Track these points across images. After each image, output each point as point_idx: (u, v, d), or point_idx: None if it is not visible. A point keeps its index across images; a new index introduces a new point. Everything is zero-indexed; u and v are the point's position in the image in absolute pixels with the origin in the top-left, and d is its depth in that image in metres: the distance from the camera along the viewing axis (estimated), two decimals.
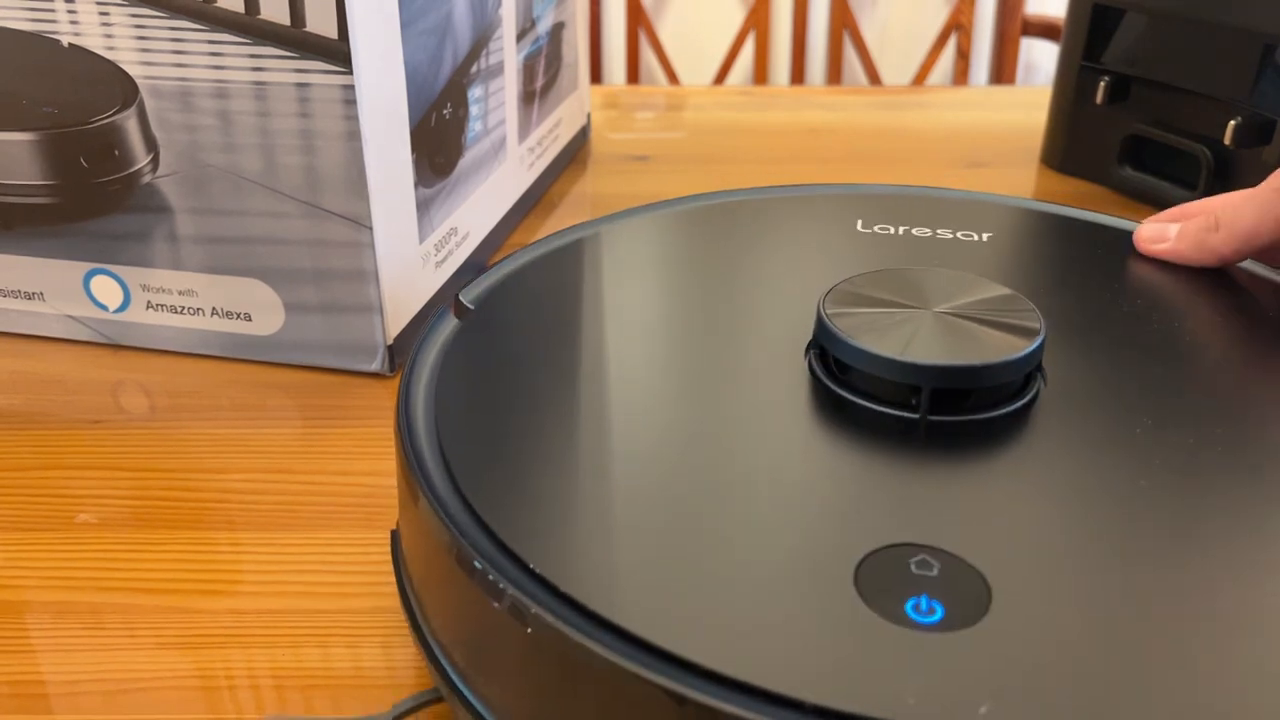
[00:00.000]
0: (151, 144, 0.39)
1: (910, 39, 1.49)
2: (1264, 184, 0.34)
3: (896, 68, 1.48)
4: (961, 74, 1.37)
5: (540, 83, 0.55)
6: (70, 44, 0.38)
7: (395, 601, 0.27)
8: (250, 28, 0.36)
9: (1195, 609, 0.21)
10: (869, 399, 0.27)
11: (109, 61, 0.38)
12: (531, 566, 0.22)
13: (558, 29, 0.57)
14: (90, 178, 0.40)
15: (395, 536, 0.28)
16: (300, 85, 0.37)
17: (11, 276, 0.43)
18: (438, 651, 0.25)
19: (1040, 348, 0.27)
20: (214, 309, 0.41)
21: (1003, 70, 1.30)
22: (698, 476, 0.25)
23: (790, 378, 0.28)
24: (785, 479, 0.25)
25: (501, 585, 0.21)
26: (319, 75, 0.36)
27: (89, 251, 0.41)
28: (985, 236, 0.37)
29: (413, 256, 0.41)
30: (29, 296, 0.43)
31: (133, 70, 0.38)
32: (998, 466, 0.25)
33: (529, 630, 0.21)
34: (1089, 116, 0.59)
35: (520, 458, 0.25)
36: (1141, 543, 0.23)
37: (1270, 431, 0.27)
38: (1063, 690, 0.19)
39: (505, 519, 0.23)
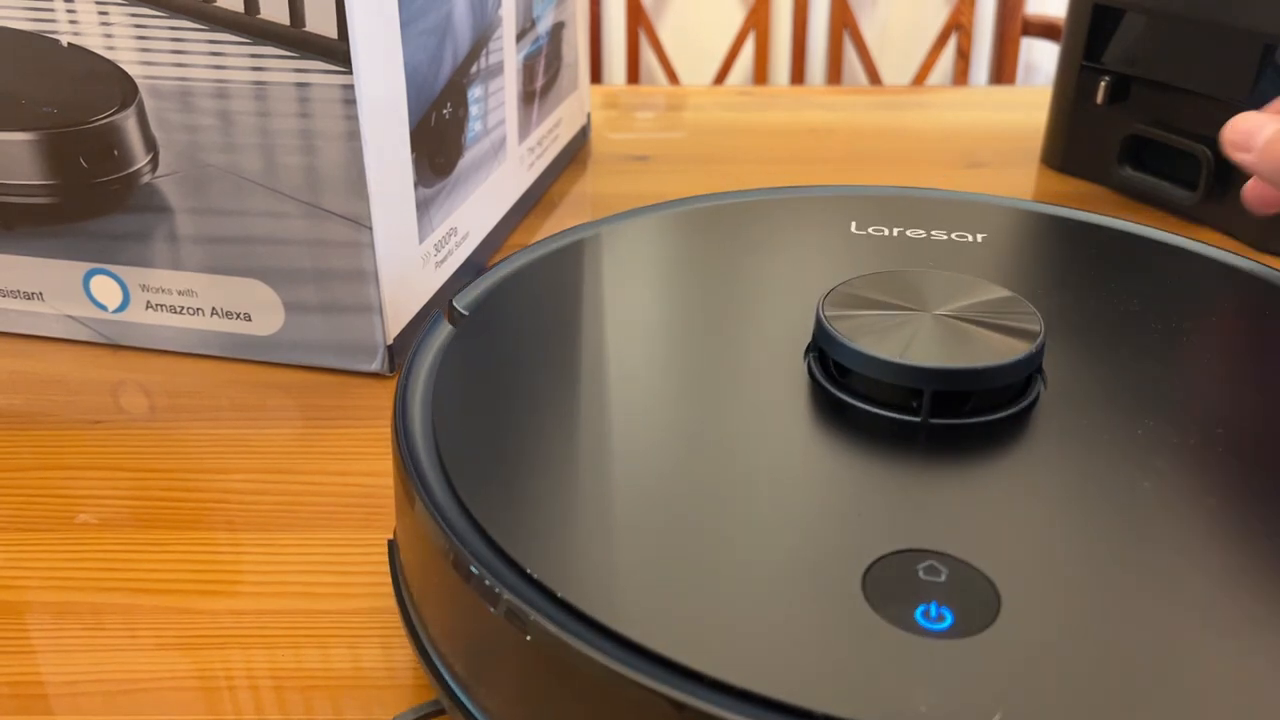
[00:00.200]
0: (151, 144, 0.39)
1: (910, 39, 1.49)
2: None
3: (896, 68, 1.48)
4: (961, 74, 1.37)
5: (540, 83, 0.55)
6: (70, 44, 0.38)
7: (394, 602, 0.27)
8: (250, 27, 0.36)
9: (1203, 613, 0.21)
10: (869, 402, 0.27)
11: (109, 61, 0.38)
12: (529, 572, 0.22)
13: (558, 29, 0.57)
14: (90, 178, 0.40)
15: (392, 545, 0.28)
16: (300, 85, 0.37)
17: (11, 276, 0.43)
18: (437, 661, 0.25)
19: (1041, 350, 0.27)
20: (214, 309, 0.41)
21: (1003, 70, 1.30)
22: (697, 481, 0.25)
23: (789, 381, 0.28)
24: (787, 483, 0.25)
25: (499, 591, 0.21)
26: (319, 75, 0.36)
27: (89, 251, 0.41)
28: (980, 237, 0.37)
29: (413, 256, 0.41)
30: (29, 296, 0.43)
31: (132, 70, 0.38)
32: (1001, 470, 0.25)
33: (528, 637, 0.21)
34: (1089, 116, 0.59)
35: (518, 463, 0.25)
36: (1148, 546, 0.23)
37: (1273, 430, 0.27)
38: (1075, 697, 0.19)
39: (503, 524, 0.23)
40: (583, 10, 0.61)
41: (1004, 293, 0.29)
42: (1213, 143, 0.53)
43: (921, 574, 0.22)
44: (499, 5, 0.47)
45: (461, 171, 0.45)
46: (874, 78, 1.35)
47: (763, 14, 1.32)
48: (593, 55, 1.38)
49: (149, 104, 0.38)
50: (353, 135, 0.37)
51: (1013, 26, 1.28)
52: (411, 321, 0.42)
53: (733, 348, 0.30)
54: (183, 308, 0.42)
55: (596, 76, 1.40)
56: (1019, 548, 0.23)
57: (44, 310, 0.43)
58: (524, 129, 0.53)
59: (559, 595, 0.21)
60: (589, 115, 0.66)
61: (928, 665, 0.20)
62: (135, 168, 0.39)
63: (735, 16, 1.40)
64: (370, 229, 0.38)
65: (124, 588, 0.31)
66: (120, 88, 0.38)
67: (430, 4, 0.40)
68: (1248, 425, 0.27)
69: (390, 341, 0.41)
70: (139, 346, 0.43)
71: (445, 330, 0.31)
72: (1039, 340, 0.27)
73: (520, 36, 0.51)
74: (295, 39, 0.36)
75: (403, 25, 0.39)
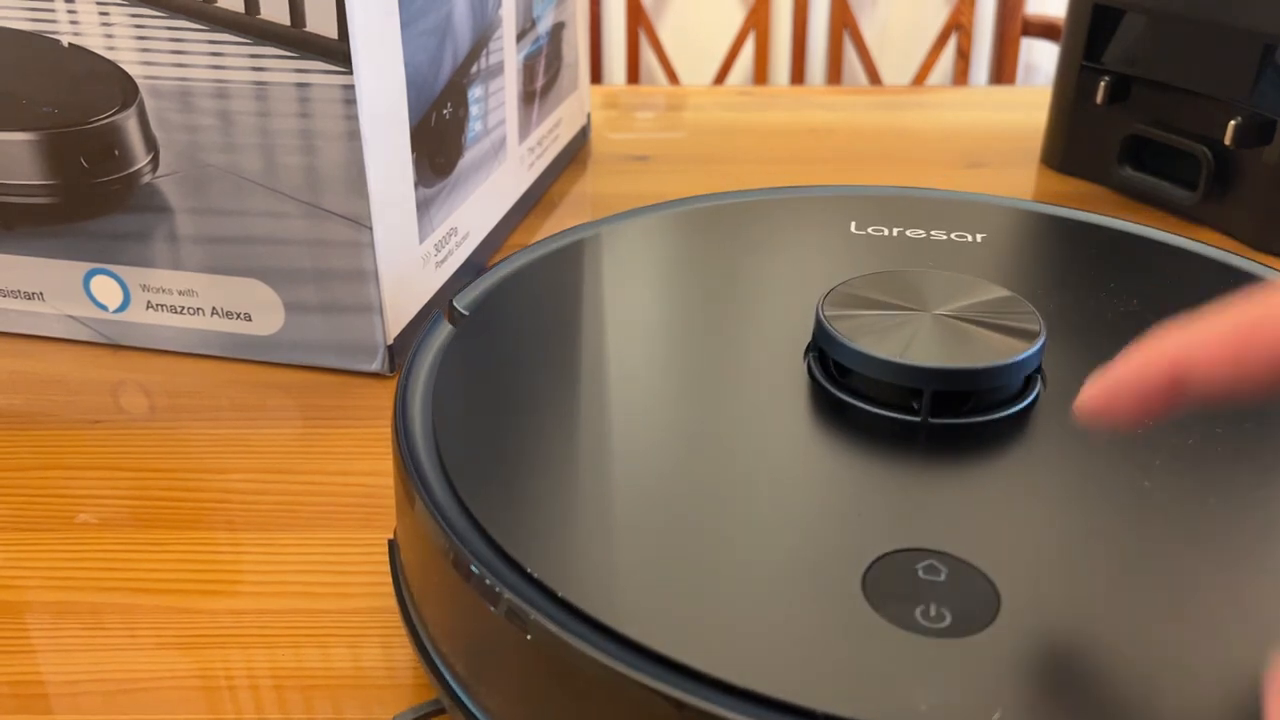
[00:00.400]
0: (151, 144, 0.39)
1: (910, 39, 1.49)
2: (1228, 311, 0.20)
3: (896, 68, 1.48)
4: (961, 74, 1.37)
5: (540, 83, 0.55)
6: (70, 44, 0.38)
7: (395, 602, 0.27)
8: (250, 28, 0.36)
9: (1203, 610, 0.21)
10: (869, 402, 0.27)
11: (109, 61, 0.38)
12: (530, 571, 0.22)
13: (558, 29, 0.57)
14: (90, 178, 0.40)
15: (392, 545, 0.28)
16: (300, 85, 0.37)
17: (11, 276, 0.43)
18: (438, 661, 0.25)
19: (1041, 349, 0.27)
20: (214, 309, 0.41)
21: (1003, 70, 1.30)
22: (698, 481, 0.25)
23: (789, 381, 0.28)
24: (787, 483, 0.25)
25: (499, 590, 0.21)
26: (319, 75, 0.36)
27: (89, 251, 0.41)
28: (980, 238, 0.37)
29: (413, 256, 0.41)
30: (29, 296, 0.43)
31: (133, 70, 0.38)
32: (1001, 470, 0.25)
33: (528, 637, 0.21)
34: (1089, 116, 0.59)
35: (518, 463, 0.25)
36: (1147, 544, 0.23)
37: (1272, 430, 0.27)
38: (1074, 696, 0.19)
39: (503, 524, 0.23)
40: (583, 10, 0.61)
41: (1004, 293, 0.29)
42: (1213, 143, 0.53)
43: (921, 574, 0.22)
44: (499, 5, 0.47)
45: (461, 171, 0.45)
46: (874, 78, 1.35)
47: (763, 14, 1.32)
48: (593, 55, 1.38)
49: (149, 104, 0.38)
50: (353, 135, 0.37)
51: (1013, 26, 1.28)
52: (411, 321, 0.42)
53: (733, 348, 0.30)
54: (183, 308, 0.42)
55: (596, 76, 1.40)
56: (1018, 547, 0.23)
57: (44, 310, 0.43)
58: (524, 129, 0.53)
59: (559, 595, 0.21)
60: (589, 115, 0.66)
61: (928, 665, 0.20)
62: (135, 168, 0.39)
63: (735, 16, 1.40)
64: (370, 229, 0.38)
65: (124, 587, 0.31)
66: (121, 88, 0.38)
67: (430, 4, 0.40)
68: (1247, 425, 0.27)
69: (390, 341, 0.41)
70: (139, 346, 0.43)
71: (445, 330, 0.31)
72: (1039, 340, 0.27)
73: (520, 36, 0.51)
74: (295, 39, 0.36)
75: (403, 25, 0.39)
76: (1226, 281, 0.34)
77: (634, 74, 1.36)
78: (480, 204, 0.48)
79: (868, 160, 0.65)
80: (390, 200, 0.39)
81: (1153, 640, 0.20)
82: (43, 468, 0.36)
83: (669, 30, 1.48)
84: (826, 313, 0.28)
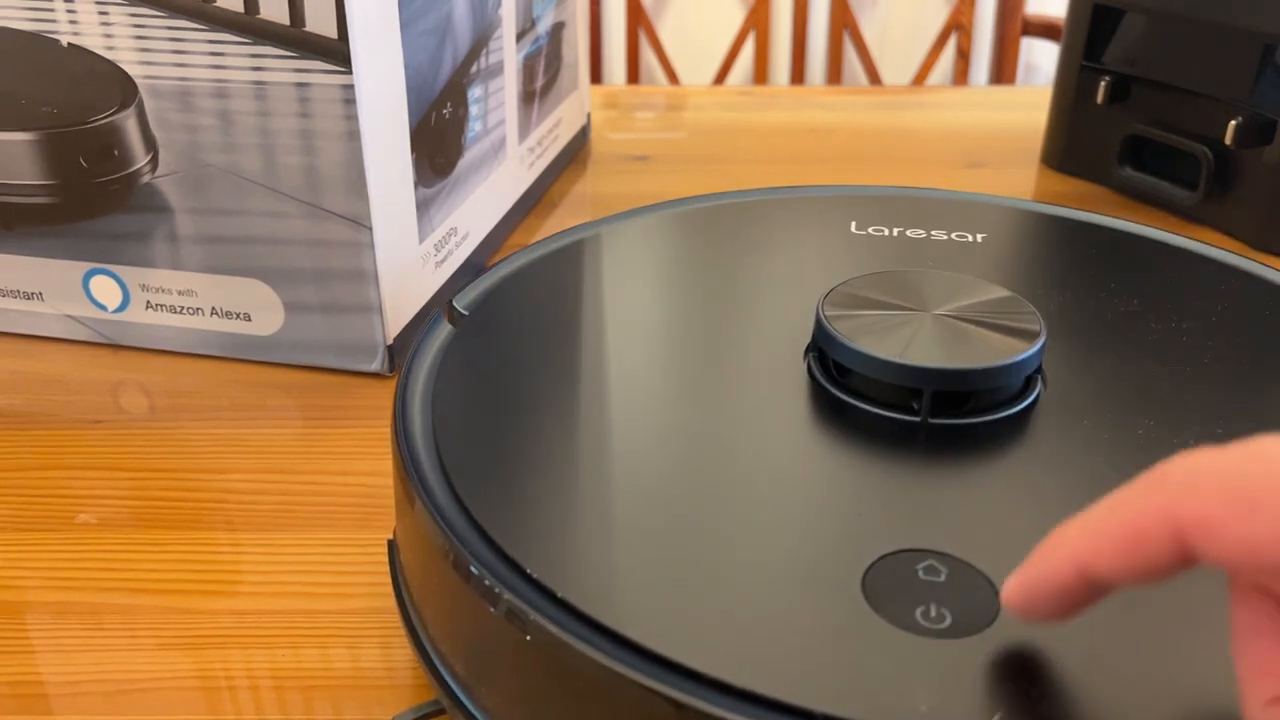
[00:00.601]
0: (151, 144, 0.39)
1: (910, 39, 1.49)
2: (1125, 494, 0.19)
3: (896, 68, 1.47)
4: (961, 74, 1.37)
5: (540, 83, 0.55)
6: (70, 44, 0.38)
7: (394, 602, 0.27)
8: (250, 28, 0.36)
9: (1201, 611, 0.21)
10: (869, 402, 0.27)
11: (108, 61, 0.38)
12: (530, 572, 0.22)
13: (558, 29, 0.57)
14: (90, 178, 0.40)
15: (392, 546, 0.28)
16: (300, 85, 0.37)
17: (11, 276, 0.43)
18: (437, 661, 0.25)
19: (1042, 350, 0.27)
20: (214, 309, 0.41)
21: (1003, 70, 1.30)
22: (698, 481, 0.25)
23: (789, 381, 0.28)
24: (787, 483, 0.25)
25: (499, 591, 0.21)
26: (319, 75, 0.36)
27: (89, 251, 0.41)
28: (980, 238, 0.37)
29: (413, 256, 0.41)
30: (29, 296, 0.43)
31: (132, 70, 0.38)
32: (1001, 470, 0.25)
33: (527, 637, 0.21)
34: (1089, 116, 0.59)
35: (518, 463, 0.25)
36: None
37: (1271, 430, 0.27)
38: (1073, 696, 0.19)
39: (503, 524, 0.23)
40: (583, 10, 0.61)
41: (1004, 293, 0.29)
42: (1213, 143, 0.53)
43: (921, 574, 0.22)
44: (499, 5, 0.47)
45: (461, 171, 0.45)
46: (874, 78, 1.35)
47: (763, 14, 1.32)
48: (593, 55, 1.38)
49: (149, 104, 0.38)
50: (353, 135, 0.37)
51: (1013, 26, 1.28)
52: (411, 321, 0.42)
53: (733, 348, 0.30)
54: (183, 308, 0.42)
55: (596, 76, 1.40)
56: (1018, 548, 0.23)
57: (44, 310, 0.43)
58: (524, 129, 0.53)
59: (559, 595, 0.21)
60: (589, 115, 0.66)
61: (928, 665, 0.20)
62: (135, 168, 0.39)
63: (735, 16, 1.40)
64: (370, 229, 0.38)
65: (124, 588, 0.31)
66: (120, 88, 0.38)
67: (430, 4, 0.40)
68: (1247, 424, 0.27)
69: (390, 341, 0.40)
70: (139, 346, 0.43)
71: (445, 330, 0.31)
72: (1039, 340, 0.27)
73: (520, 36, 0.51)
74: (295, 39, 0.36)
75: (403, 25, 0.39)
76: (1227, 281, 0.34)
77: (634, 74, 1.36)
78: (480, 204, 0.48)
79: (868, 160, 0.65)
80: (390, 200, 0.39)
81: (1152, 641, 0.20)
82: (43, 468, 0.36)
83: (669, 30, 1.48)
84: (826, 313, 0.28)
